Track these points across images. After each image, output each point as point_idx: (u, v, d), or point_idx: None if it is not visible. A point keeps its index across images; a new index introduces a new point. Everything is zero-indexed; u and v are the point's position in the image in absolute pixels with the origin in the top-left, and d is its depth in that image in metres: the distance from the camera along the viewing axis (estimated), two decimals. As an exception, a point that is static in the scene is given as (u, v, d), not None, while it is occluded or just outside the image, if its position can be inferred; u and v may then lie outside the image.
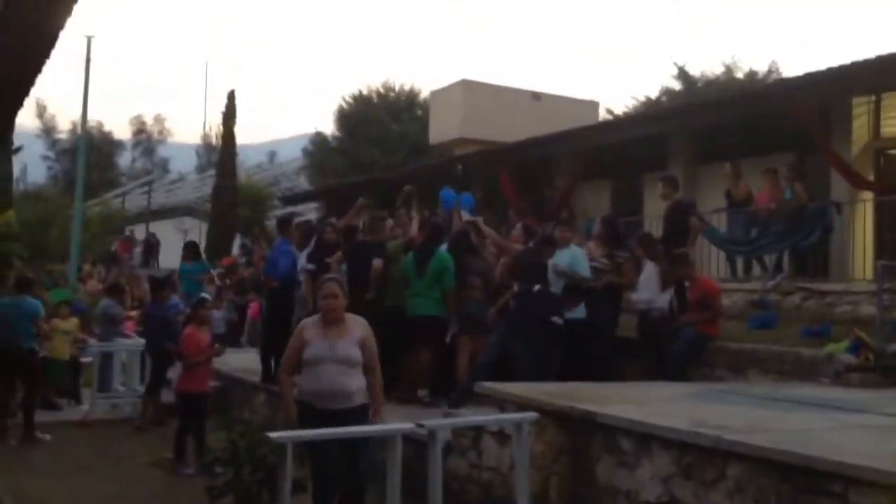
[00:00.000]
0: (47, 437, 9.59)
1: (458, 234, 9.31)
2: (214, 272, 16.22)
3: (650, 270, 8.98)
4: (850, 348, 7.62)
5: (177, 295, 11.54)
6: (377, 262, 8.90)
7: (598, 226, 9.81)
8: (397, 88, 34.85)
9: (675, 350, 8.53)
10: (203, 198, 33.48)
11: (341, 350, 5.56)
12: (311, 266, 9.66)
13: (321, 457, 5.59)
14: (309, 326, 5.75)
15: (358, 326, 5.74)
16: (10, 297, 10.24)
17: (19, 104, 5.58)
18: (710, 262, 12.01)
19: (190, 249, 14.76)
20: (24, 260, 20.75)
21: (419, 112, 31.99)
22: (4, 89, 4.83)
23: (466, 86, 22.09)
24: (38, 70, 4.69)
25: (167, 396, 10.19)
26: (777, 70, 27.70)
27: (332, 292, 5.69)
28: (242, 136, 30.78)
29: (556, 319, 8.13)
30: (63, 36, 4.31)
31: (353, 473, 5.67)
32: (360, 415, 5.60)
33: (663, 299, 8.87)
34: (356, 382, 5.62)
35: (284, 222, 10.90)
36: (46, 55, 4.40)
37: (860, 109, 11.85)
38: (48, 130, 58.18)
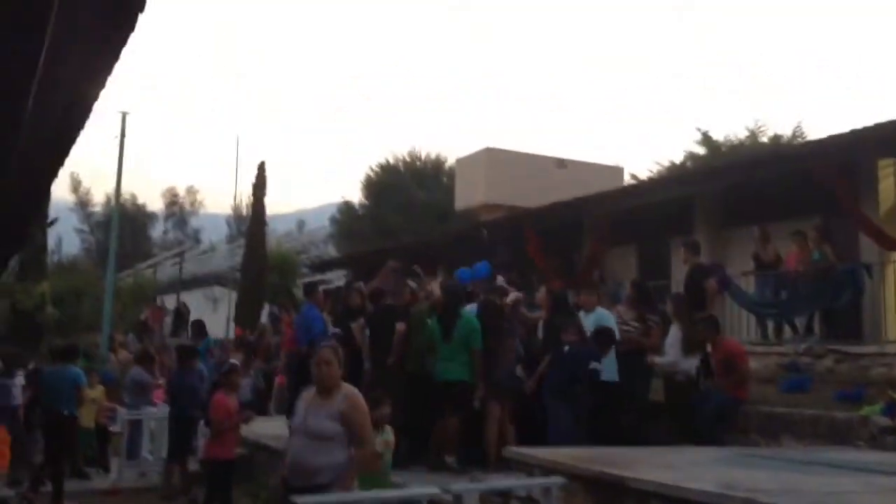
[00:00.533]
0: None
1: (486, 300, 9.30)
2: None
3: (674, 333, 8.92)
4: (885, 410, 7.49)
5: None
6: (400, 326, 8.91)
7: (628, 289, 9.81)
8: (423, 157, 35.30)
9: (705, 414, 8.44)
10: (234, 267, 33.81)
11: (312, 422, 5.19)
12: (336, 331, 9.72)
13: None
14: (304, 395, 5.49)
15: (343, 397, 5.28)
16: (53, 365, 10.49)
17: (54, 176, 5.73)
18: (741, 326, 11.90)
19: (196, 327, 15.38)
20: (51, 331, 21.13)
21: (445, 179, 32.33)
22: (39, 161, 4.98)
23: (491, 153, 22.32)
24: (72, 142, 4.84)
25: (193, 464, 10.16)
26: (802, 134, 27.67)
27: (326, 359, 5.33)
28: (272, 206, 31.25)
29: (596, 365, 8.15)
30: (98, 110, 4.47)
31: None
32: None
33: (689, 363, 8.78)
34: (323, 459, 5.11)
35: (311, 288, 11.02)
36: (81, 127, 4.55)
37: (886, 171, 11.80)
38: (82, 204, 59.43)
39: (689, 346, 8.75)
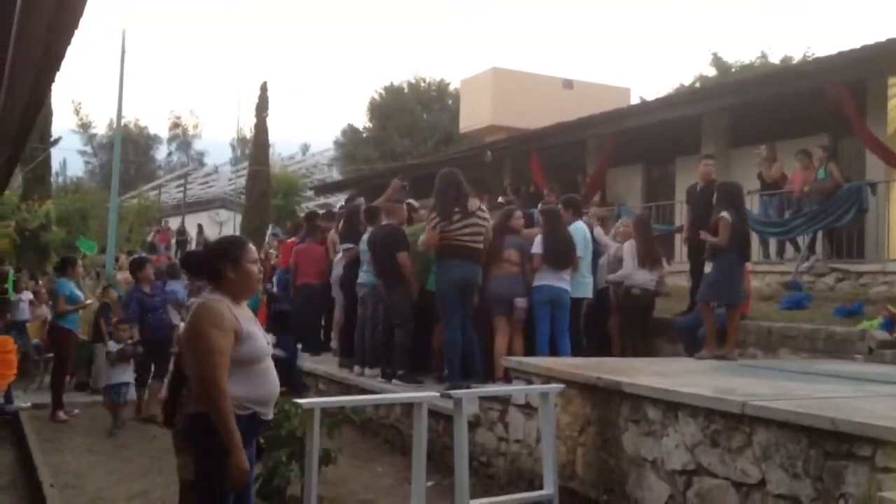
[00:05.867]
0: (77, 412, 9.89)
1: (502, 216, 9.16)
2: None
3: (629, 248, 8.95)
4: (884, 325, 7.53)
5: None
6: (402, 257, 8.75)
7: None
8: (427, 80, 34.97)
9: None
10: (237, 190, 33.82)
11: (268, 341, 4.03)
12: (349, 245, 9.82)
13: None
14: (227, 306, 3.75)
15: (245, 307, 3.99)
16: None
17: (50, 80, 5.65)
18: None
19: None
20: (57, 251, 21.30)
21: (449, 102, 32.09)
22: (33, 60, 4.92)
23: (497, 73, 21.99)
24: (66, 42, 4.75)
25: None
26: (812, 55, 27.28)
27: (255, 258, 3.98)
28: (276, 133, 31.27)
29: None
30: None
31: None
32: None
33: (644, 276, 8.80)
34: None
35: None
36: (74, 26, 4.46)
37: (896, 89, 11.63)
38: (85, 126, 59.11)
39: (644, 261, 8.74)
